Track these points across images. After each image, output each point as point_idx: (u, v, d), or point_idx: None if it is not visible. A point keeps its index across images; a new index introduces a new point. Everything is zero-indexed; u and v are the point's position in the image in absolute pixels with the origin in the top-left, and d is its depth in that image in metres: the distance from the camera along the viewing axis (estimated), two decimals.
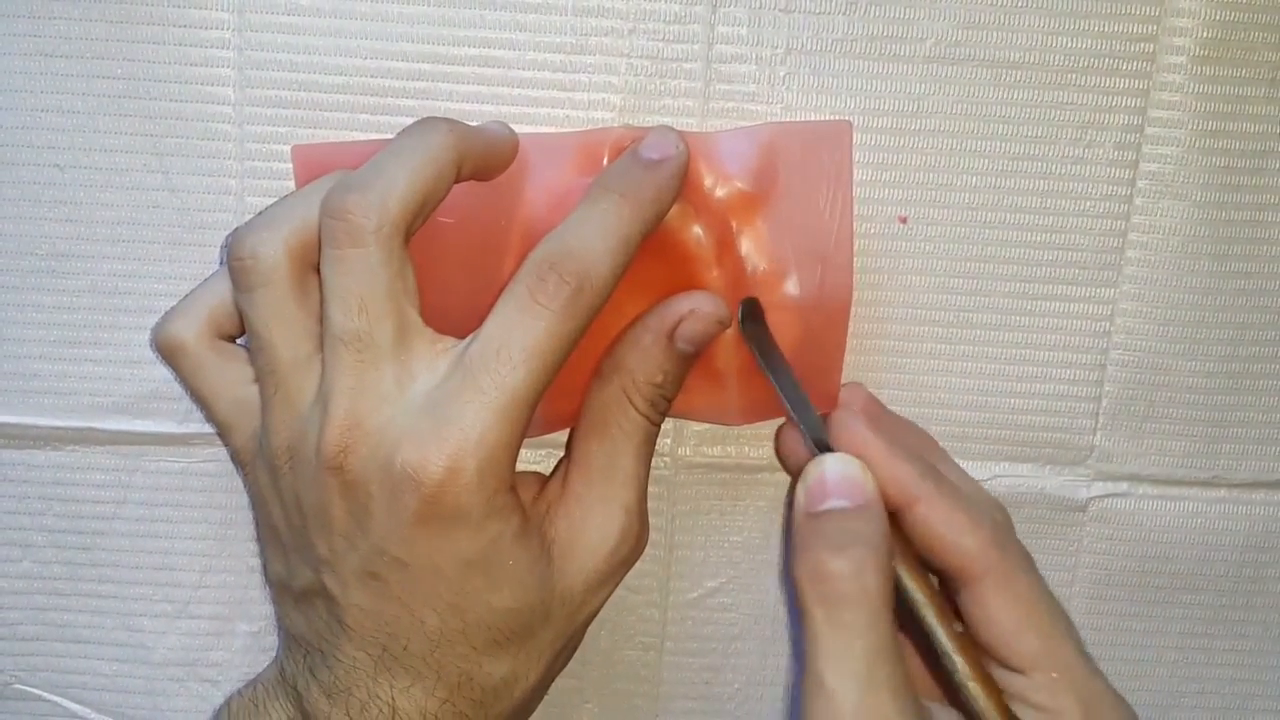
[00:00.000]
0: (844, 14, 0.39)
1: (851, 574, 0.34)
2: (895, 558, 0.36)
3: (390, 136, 0.36)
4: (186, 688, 0.43)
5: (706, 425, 0.42)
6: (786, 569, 0.42)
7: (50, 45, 0.38)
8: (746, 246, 0.39)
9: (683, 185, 0.36)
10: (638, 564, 0.42)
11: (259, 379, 0.36)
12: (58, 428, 0.41)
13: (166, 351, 0.37)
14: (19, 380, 0.41)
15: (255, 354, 0.36)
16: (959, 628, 0.36)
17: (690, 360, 0.38)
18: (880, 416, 0.41)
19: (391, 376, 0.34)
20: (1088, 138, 0.40)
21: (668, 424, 0.42)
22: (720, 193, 0.38)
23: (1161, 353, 0.42)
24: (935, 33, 0.39)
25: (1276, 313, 0.41)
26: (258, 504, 0.38)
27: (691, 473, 0.42)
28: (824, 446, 0.37)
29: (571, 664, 0.43)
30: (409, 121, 0.38)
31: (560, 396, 0.37)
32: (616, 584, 0.38)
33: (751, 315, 0.38)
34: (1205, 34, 0.39)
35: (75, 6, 0.38)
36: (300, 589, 0.36)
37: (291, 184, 0.39)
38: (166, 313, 0.37)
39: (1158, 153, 0.40)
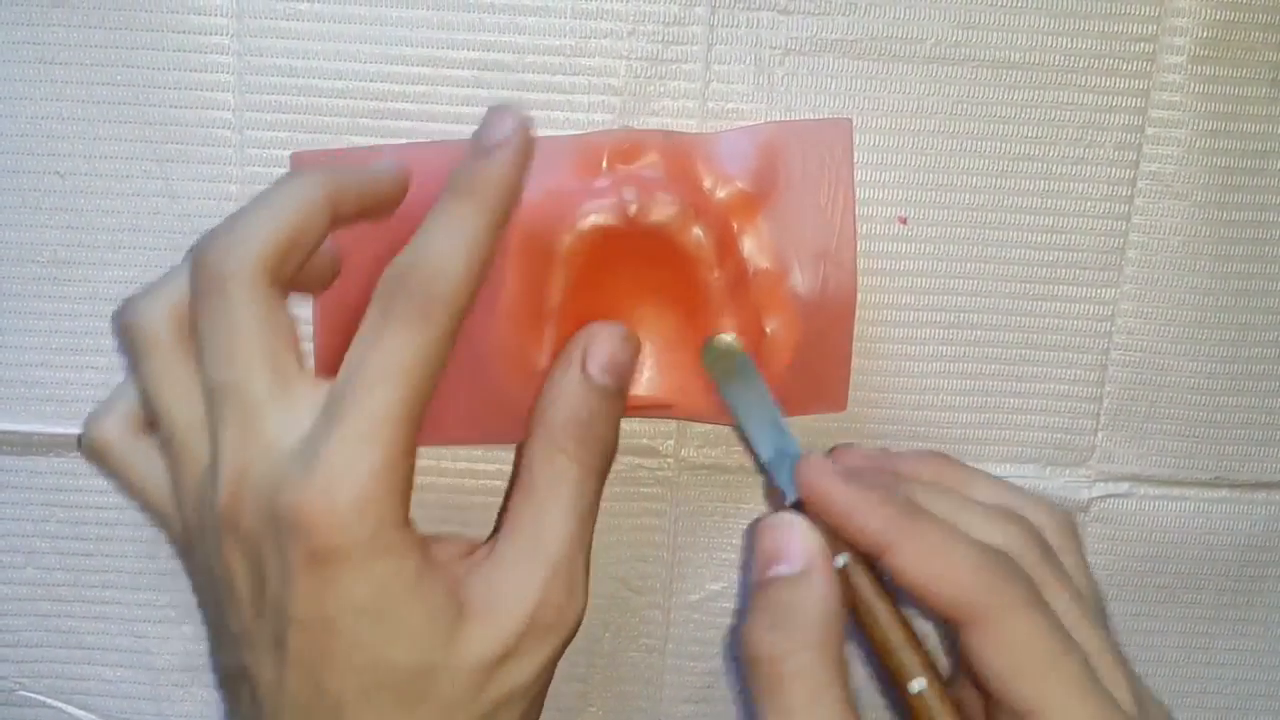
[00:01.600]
0: (843, 14, 0.39)
1: (784, 654, 0.32)
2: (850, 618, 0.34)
3: (393, 141, 0.36)
4: (190, 693, 0.43)
5: (709, 426, 0.42)
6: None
7: (50, 52, 0.38)
8: (748, 247, 0.39)
9: (526, 164, 0.35)
10: (641, 566, 0.42)
11: (162, 450, 0.35)
12: (60, 434, 0.41)
13: (91, 454, 0.37)
14: (21, 387, 0.41)
15: (156, 425, 0.35)
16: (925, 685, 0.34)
17: (616, 396, 0.36)
18: (860, 456, 0.39)
19: (274, 425, 0.33)
20: (1088, 138, 0.40)
21: (670, 425, 0.42)
22: (721, 193, 0.38)
23: (1163, 353, 0.41)
24: (935, 33, 0.39)
25: (1277, 313, 0.41)
26: (193, 588, 0.37)
27: (695, 474, 0.42)
28: (789, 496, 0.36)
29: (575, 666, 0.43)
30: (410, 126, 0.39)
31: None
32: (546, 655, 0.35)
33: (724, 356, 0.38)
34: (1205, 34, 0.39)
35: (75, 13, 0.38)
36: (227, 674, 0.35)
37: None
38: (87, 417, 0.37)
39: (1158, 153, 0.40)
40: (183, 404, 0.34)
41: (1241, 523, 0.43)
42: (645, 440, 0.42)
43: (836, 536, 0.34)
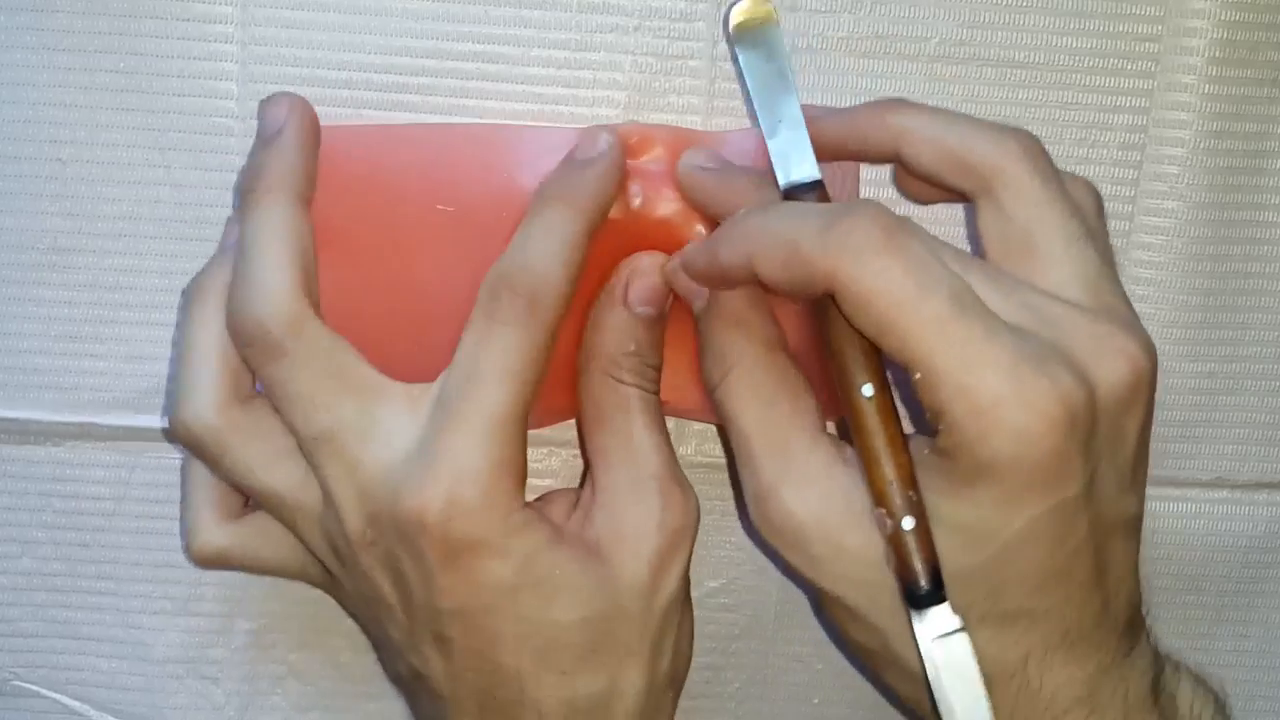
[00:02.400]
0: (849, 13, 0.39)
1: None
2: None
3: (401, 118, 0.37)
4: (185, 685, 0.43)
5: (709, 425, 0.42)
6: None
7: (53, 39, 0.38)
8: None
9: (621, 177, 0.36)
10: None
11: (274, 517, 0.37)
12: (58, 423, 0.41)
13: (210, 562, 0.38)
14: (19, 375, 0.41)
15: (257, 503, 0.37)
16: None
17: (657, 324, 0.37)
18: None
19: (375, 444, 0.34)
20: (1092, 138, 0.40)
21: (670, 423, 0.41)
22: None
23: (1165, 353, 0.41)
24: (940, 32, 0.39)
25: (1277, 313, 0.42)
26: (353, 616, 0.39)
27: (693, 472, 0.42)
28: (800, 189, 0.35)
29: None
30: (413, 118, 0.39)
31: (560, 390, 0.38)
32: (686, 558, 0.36)
33: (751, 18, 0.36)
34: (1211, 35, 0.39)
35: (79, 0, 0.38)
36: (402, 682, 0.37)
37: None
38: (185, 532, 0.38)
39: (1163, 153, 0.40)
40: (277, 473, 0.36)
41: (1241, 523, 0.43)
42: None
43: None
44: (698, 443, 0.42)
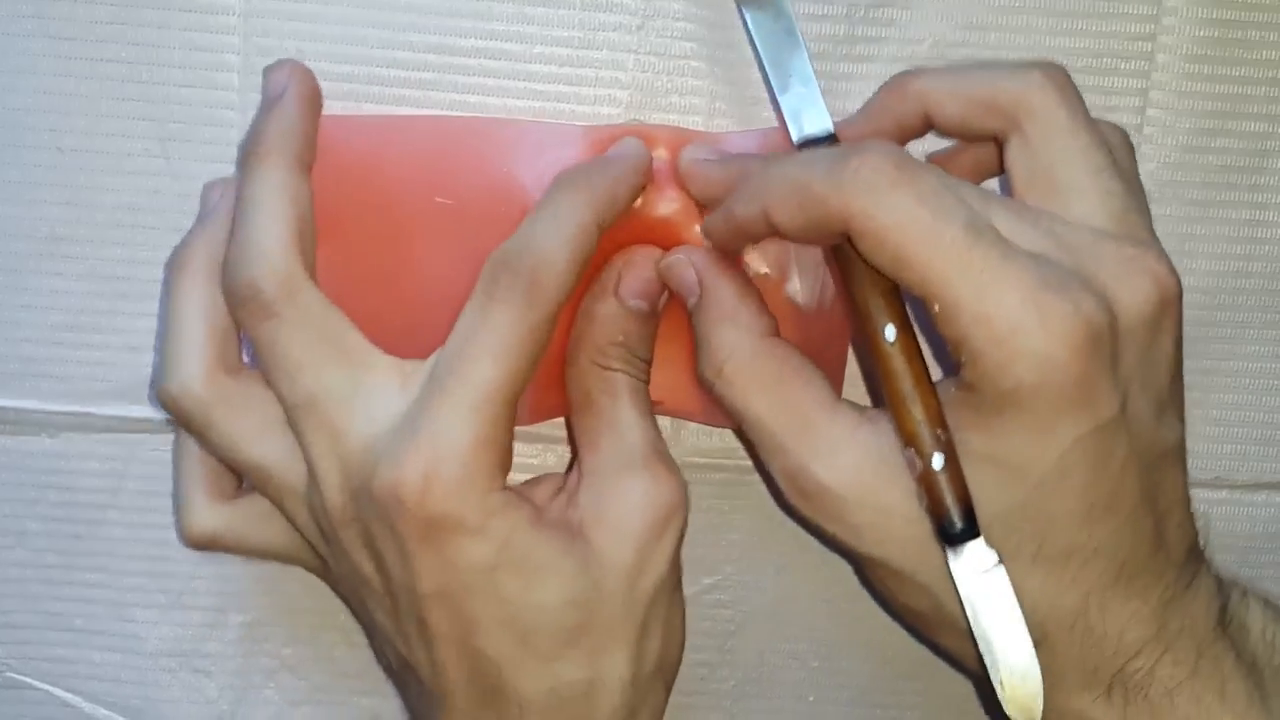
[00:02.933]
0: (845, 16, 0.39)
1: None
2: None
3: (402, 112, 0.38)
4: (179, 678, 0.43)
5: (705, 426, 0.42)
6: None
7: (54, 27, 0.38)
8: (749, 249, 0.39)
9: (642, 182, 0.36)
10: None
11: (264, 494, 0.37)
12: (53, 413, 0.41)
13: (203, 544, 0.38)
14: (15, 364, 0.41)
15: (246, 477, 0.37)
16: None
17: (649, 319, 0.37)
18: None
19: (361, 415, 0.34)
20: None
21: (665, 423, 0.42)
22: None
23: None
24: (934, 33, 0.39)
25: (1276, 312, 0.42)
26: (345, 601, 0.39)
27: (689, 471, 0.41)
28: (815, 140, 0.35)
29: None
30: (413, 113, 0.39)
31: (555, 386, 0.38)
32: (673, 541, 0.36)
33: None
34: (1203, 33, 0.39)
35: None
36: (392, 671, 0.37)
37: None
38: (177, 511, 0.38)
39: (1157, 152, 0.40)
40: (264, 446, 0.35)
41: (1241, 524, 0.43)
42: None
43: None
44: (694, 441, 0.42)
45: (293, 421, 0.34)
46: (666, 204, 0.37)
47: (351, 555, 0.34)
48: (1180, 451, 0.34)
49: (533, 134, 0.38)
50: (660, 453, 0.37)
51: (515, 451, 0.41)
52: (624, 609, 0.35)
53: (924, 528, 0.32)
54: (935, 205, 0.30)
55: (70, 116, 0.39)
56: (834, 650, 0.44)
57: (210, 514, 0.37)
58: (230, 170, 0.39)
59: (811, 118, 0.35)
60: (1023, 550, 0.32)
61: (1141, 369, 0.32)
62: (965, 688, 0.43)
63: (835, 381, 0.39)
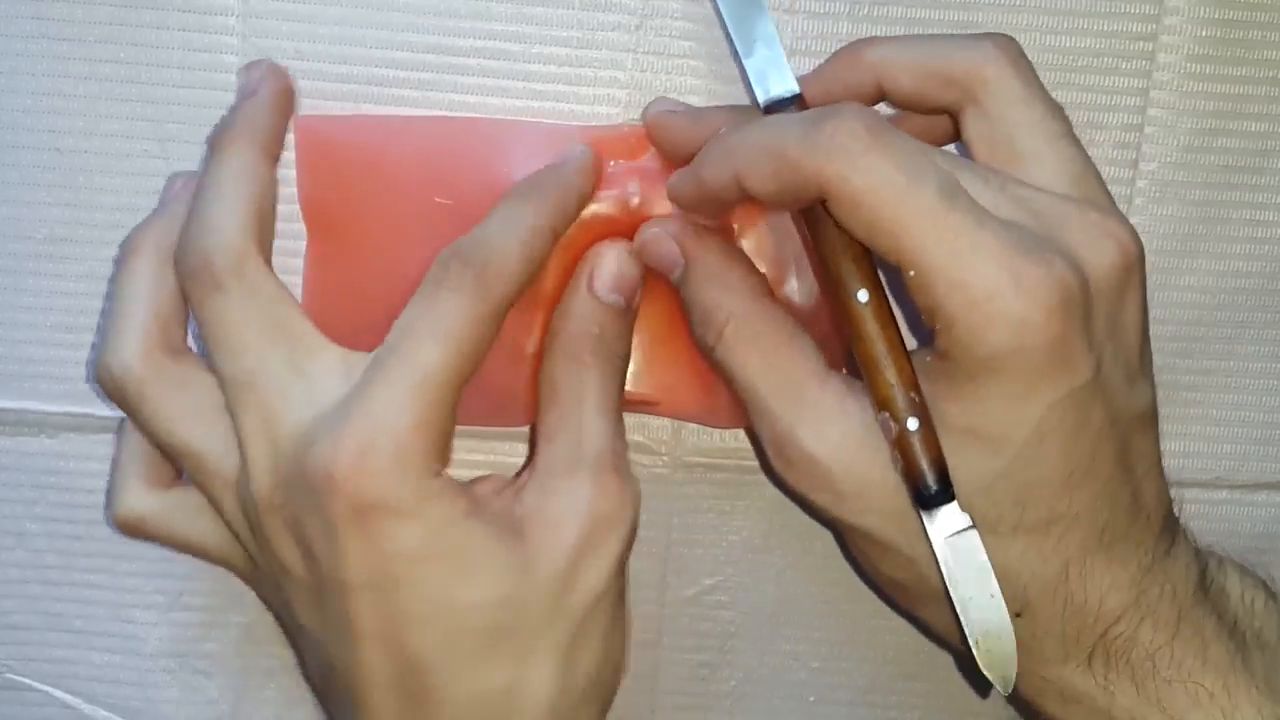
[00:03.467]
0: (848, 15, 0.39)
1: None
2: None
3: (401, 112, 0.38)
4: (178, 679, 0.43)
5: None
6: None
7: (53, 28, 0.38)
8: (748, 249, 0.39)
9: (592, 181, 0.36)
10: (635, 561, 0.42)
11: (197, 484, 0.36)
12: (53, 413, 0.41)
13: (131, 531, 0.37)
14: (14, 365, 0.41)
15: (181, 463, 0.36)
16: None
17: (624, 314, 0.37)
18: None
19: (298, 398, 0.33)
20: (1087, 137, 0.39)
21: (665, 423, 0.42)
22: None
23: (1161, 353, 0.41)
24: (936, 32, 0.39)
25: (1276, 312, 0.42)
26: (267, 605, 0.38)
27: (690, 471, 0.42)
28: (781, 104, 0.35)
29: None
30: (412, 113, 0.39)
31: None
32: (613, 554, 0.35)
33: None
34: (1204, 33, 0.39)
35: None
36: (315, 678, 0.36)
37: (291, 165, 0.38)
38: (107, 493, 0.37)
39: (1157, 152, 0.40)
40: (197, 428, 0.35)
41: (1241, 524, 0.43)
42: (640, 438, 0.42)
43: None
44: (695, 442, 0.42)
45: (230, 401, 0.34)
46: (664, 203, 0.37)
47: (277, 545, 0.33)
48: (1152, 416, 0.34)
49: (532, 134, 0.38)
50: (615, 460, 0.35)
51: (515, 451, 0.41)
52: (552, 615, 0.34)
53: (906, 498, 0.33)
54: (910, 169, 0.30)
55: (69, 117, 0.39)
56: (834, 651, 0.44)
57: (140, 498, 0.37)
58: None
59: (776, 79, 0.35)
60: (1004, 520, 0.32)
61: (1111, 331, 0.32)
62: (965, 688, 0.43)
63: None
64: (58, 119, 0.39)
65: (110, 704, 0.43)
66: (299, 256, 0.39)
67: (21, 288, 0.40)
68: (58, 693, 0.43)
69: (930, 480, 0.32)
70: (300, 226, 0.39)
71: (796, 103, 0.35)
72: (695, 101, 0.39)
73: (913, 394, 0.32)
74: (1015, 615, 0.33)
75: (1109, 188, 0.40)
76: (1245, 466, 0.43)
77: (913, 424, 0.32)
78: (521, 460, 0.42)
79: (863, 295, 0.33)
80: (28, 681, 0.43)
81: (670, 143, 0.37)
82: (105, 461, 0.41)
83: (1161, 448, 0.41)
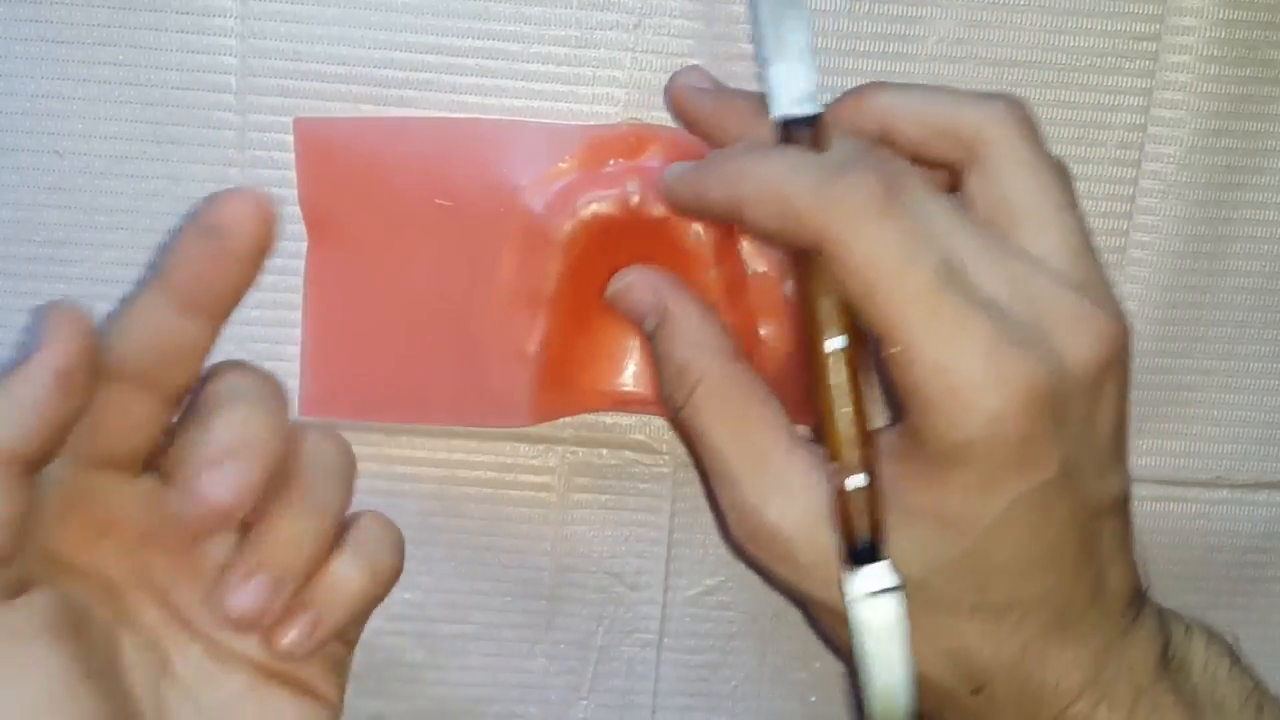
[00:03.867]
0: (848, 13, 0.39)
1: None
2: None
3: (401, 113, 0.37)
4: None
5: None
6: None
7: (52, 31, 0.38)
8: (748, 249, 0.39)
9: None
10: (635, 561, 0.42)
11: None
12: None
13: None
14: None
15: None
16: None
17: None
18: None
19: None
20: (1090, 137, 0.40)
21: (665, 423, 0.42)
22: None
23: (1162, 353, 0.42)
24: (938, 31, 0.39)
25: (1276, 312, 0.42)
26: None
27: (691, 471, 0.42)
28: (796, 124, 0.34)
29: (569, 660, 0.43)
30: (411, 114, 0.39)
31: (561, 385, 0.38)
32: None
33: None
34: (1209, 33, 0.39)
35: None
36: None
37: (291, 167, 0.38)
38: None
39: (1161, 152, 0.40)
40: None
41: (1241, 523, 0.43)
42: (642, 437, 0.42)
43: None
44: None
45: None
46: (663, 204, 0.37)
47: None
48: (1123, 503, 0.34)
49: (531, 134, 0.38)
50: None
51: (517, 451, 0.41)
52: None
53: None
54: (913, 245, 0.30)
55: (68, 120, 0.39)
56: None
57: None
58: (228, 173, 0.39)
59: (800, 96, 0.34)
60: (963, 601, 0.32)
61: (1085, 427, 0.32)
62: None
63: None
64: (56, 121, 0.39)
65: None
66: (299, 258, 0.39)
67: (21, 290, 0.40)
68: None
69: (866, 534, 0.32)
70: (300, 228, 0.39)
71: (814, 126, 0.34)
72: None
73: (866, 450, 0.32)
74: (973, 692, 0.33)
75: (1111, 188, 0.40)
76: (1245, 466, 0.43)
77: (858, 480, 0.32)
78: (521, 459, 0.42)
79: (839, 341, 0.32)
80: None
81: (687, 119, 0.37)
82: None
83: (1160, 445, 0.42)
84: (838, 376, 0.32)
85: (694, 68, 0.37)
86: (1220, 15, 0.39)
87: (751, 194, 0.32)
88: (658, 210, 0.37)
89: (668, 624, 0.43)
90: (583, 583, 0.42)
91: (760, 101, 0.35)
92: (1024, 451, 0.30)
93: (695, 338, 0.35)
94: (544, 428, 0.41)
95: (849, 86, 0.39)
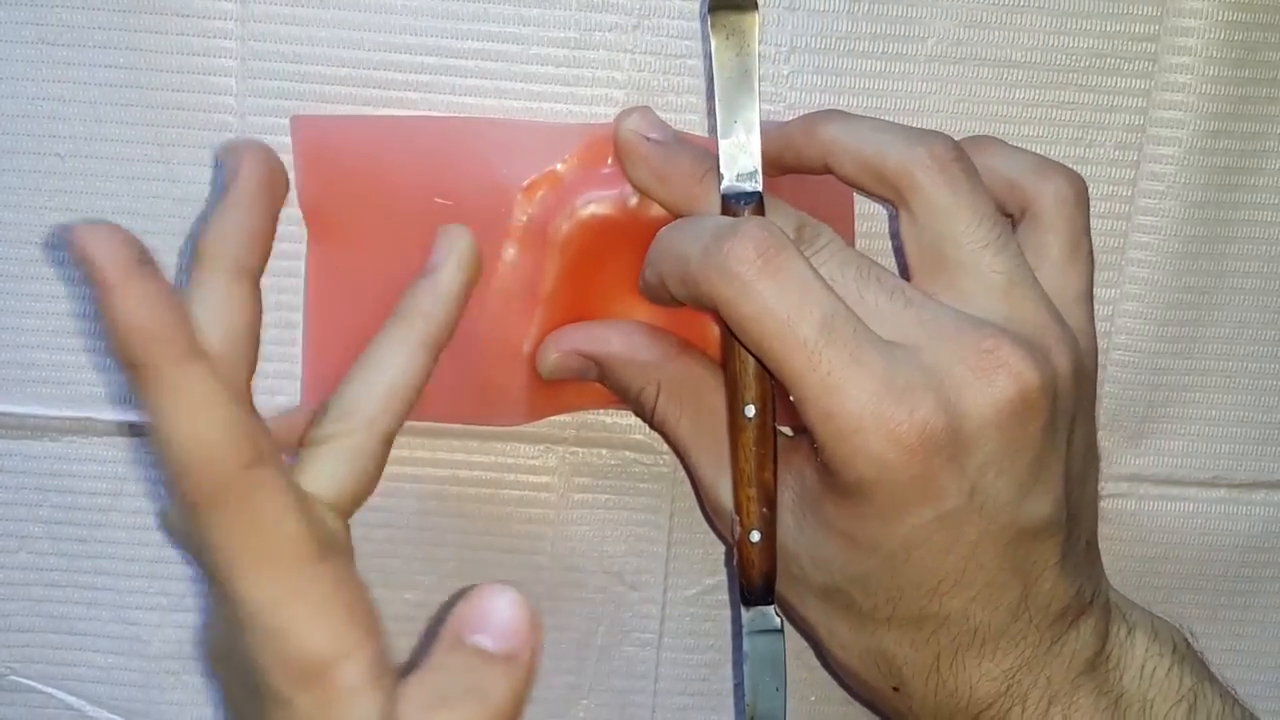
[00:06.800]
0: (848, 13, 0.39)
1: None
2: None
3: (400, 113, 0.38)
4: (182, 680, 0.43)
5: None
6: None
7: (52, 34, 0.38)
8: None
9: (476, 265, 0.35)
10: (636, 560, 0.42)
11: None
12: (55, 417, 0.41)
13: None
14: (16, 369, 0.40)
15: None
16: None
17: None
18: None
19: None
20: (1089, 137, 0.40)
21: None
22: None
23: (1161, 353, 0.42)
24: (937, 31, 0.39)
25: (1276, 312, 0.42)
26: None
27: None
28: (742, 198, 0.35)
29: (569, 660, 0.43)
30: (413, 114, 0.39)
31: (556, 383, 0.38)
32: None
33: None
34: (1207, 34, 0.39)
35: None
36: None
37: (291, 167, 0.38)
38: None
39: (1159, 153, 0.40)
40: None
41: (1239, 523, 0.43)
42: (641, 436, 0.42)
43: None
44: None
45: None
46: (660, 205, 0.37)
47: None
48: (1050, 525, 0.34)
49: (530, 134, 0.38)
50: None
51: (517, 451, 0.41)
52: None
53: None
54: (795, 300, 0.31)
55: (68, 123, 0.39)
56: None
57: None
58: None
59: (745, 171, 0.35)
60: (879, 611, 0.34)
61: (998, 458, 0.32)
62: None
63: None
64: (57, 124, 0.39)
65: (113, 705, 0.43)
66: (299, 259, 0.39)
67: (23, 292, 0.40)
68: (61, 694, 0.43)
69: (757, 584, 0.36)
70: (301, 229, 0.39)
71: (754, 203, 0.35)
72: (693, 100, 0.39)
73: (765, 510, 0.35)
74: (894, 690, 0.35)
75: (1110, 189, 0.40)
76: (1243, 466, 0.43)
77: (755, 536, 0.35)
78: (521, 459, 0.42)
79: (749, 410, 0.35)
80: (31, 683, 0.43)
81: (633, 171, 0.37)
82: (107, 465, 0.41)
83: (1159, 445, 0.42)
84: (749, 439, 0.35)
85: (643, 109, 0.37)
86: (1220, 16, 0.39)
87: (664, 267, 0.34)
88: (654, 211, 0.37)
89: (667, 624, 0.43)
90: (583, 583, 0.42)
91: (705, 161, 0.36)
92: (915, 489, 0.32)
93: (636, 355, 0.38)
94: (544, 428, 0.41)
95: (849, 86, 0.39)
